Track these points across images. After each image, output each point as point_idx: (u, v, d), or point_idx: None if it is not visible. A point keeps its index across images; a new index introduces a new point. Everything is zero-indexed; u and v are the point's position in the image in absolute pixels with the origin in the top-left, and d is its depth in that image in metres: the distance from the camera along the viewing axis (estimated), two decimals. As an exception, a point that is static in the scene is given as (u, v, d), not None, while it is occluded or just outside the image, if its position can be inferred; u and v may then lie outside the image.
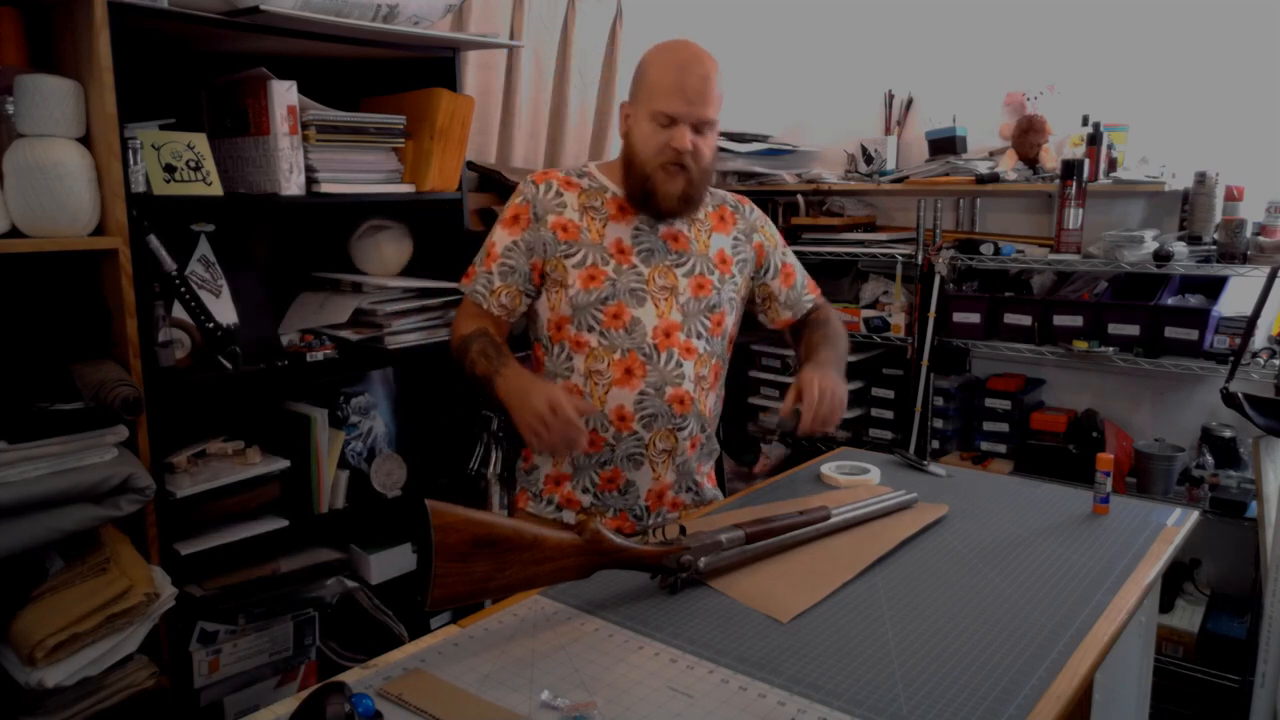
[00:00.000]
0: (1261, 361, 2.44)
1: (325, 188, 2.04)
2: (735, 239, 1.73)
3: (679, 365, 1.61)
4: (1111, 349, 2.66)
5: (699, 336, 1.64)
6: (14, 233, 1.63)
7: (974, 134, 3.03)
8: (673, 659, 1.09)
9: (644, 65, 1.60)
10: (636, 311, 1.59)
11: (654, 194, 1.59)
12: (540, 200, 1.63)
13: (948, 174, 2.95)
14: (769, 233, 1.80)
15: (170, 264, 1.85)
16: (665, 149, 1.55)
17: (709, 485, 1.75)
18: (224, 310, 1.98)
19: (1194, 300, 2.71)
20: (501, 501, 2.45)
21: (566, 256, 1.60)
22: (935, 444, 3.02)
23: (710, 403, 1.70)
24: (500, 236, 1.64)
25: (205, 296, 1.94)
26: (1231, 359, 2.40)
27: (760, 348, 3.30)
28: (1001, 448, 2.93)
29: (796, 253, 3.14)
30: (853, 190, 3.25)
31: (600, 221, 1.63)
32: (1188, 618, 2.66)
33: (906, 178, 3.04)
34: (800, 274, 1.84)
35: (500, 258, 1.62)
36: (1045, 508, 1.58)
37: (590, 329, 1.59)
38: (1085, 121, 2.77)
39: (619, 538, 1.19)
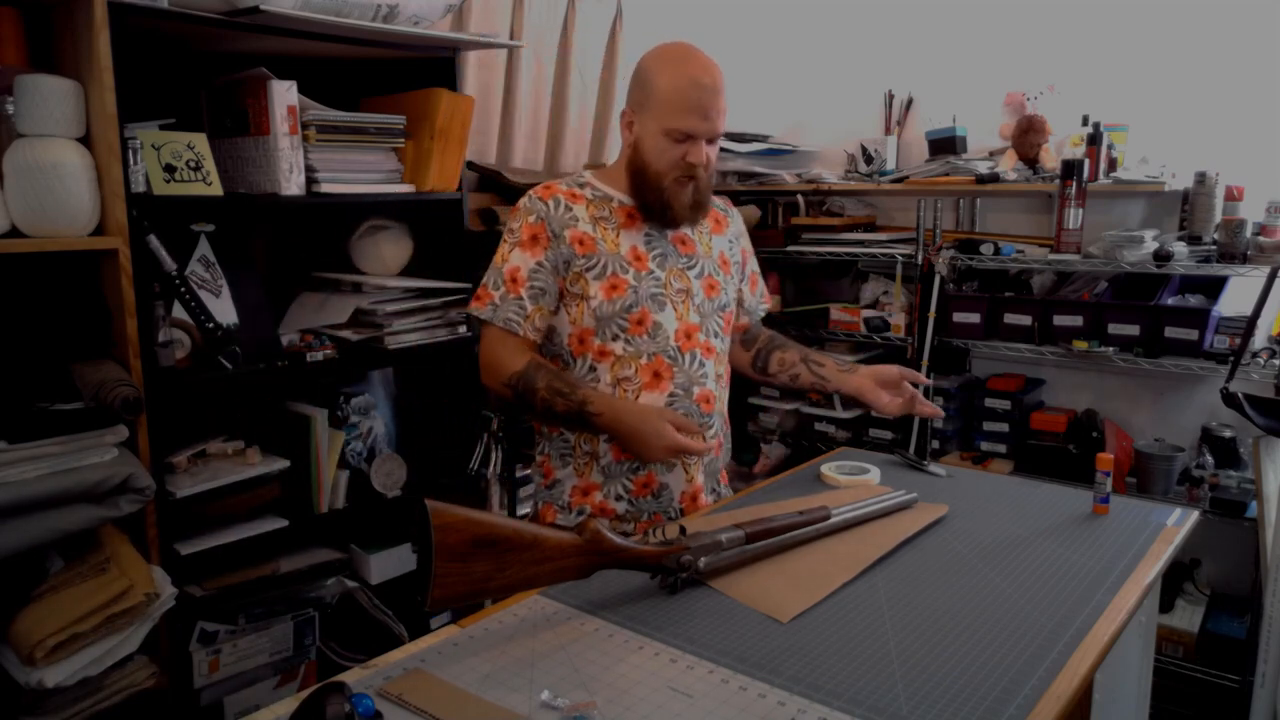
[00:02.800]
0: (1261, 361, 2.44)
1: (325, 188, 2.04)
2: (729, 241, 1.77)
3: (702, 365, 1.64)
4: (1111, 349, 2.66)
5: (715, 336, 1.68)
6: (14, 233, 1.63)
7: (974, 134, 3.03)
8: (673, 659, 1.09)
9: (651, 74, 1.57)
10: (658, 316, 1.60)
11: (670, 206, 1.60)
12: (554, 217, 1.60)
13: (948, 174, 2.95)
14: (747, 238, 1.85)
15: (170, 264, 1.85)
16: (680, 164, 1.57)
17: (724, 485, 1.78)
18: (224, 310, 1.98)
19: (1194, 300, 2.71)
20: (501, 501, 2.45)
21: (587, 269, 1.59)
22: (935, 444, 3.02)
23: (727, 401, 1.73)
24: (522, 259, 1.59)
25: (205, 296, 1.95)
26: (1231, 359, 2.40)
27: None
28: (1001, 448, 2.93)
29: (796, 253, 3.19)
30: (853, 190, 3.25)
31: (613, 231, 1.62)
32: (1188, 618, 2.66)
33: (906, 178, 3.04)
34: (761, 282, 1.89)
35: (528, 281, 1.59)
36: (1045, 508, 1.57)
37: (615, 338, 1.59)
38: (1085, 121, 2.77)
39: (619, 538, 1.19)
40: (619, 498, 1.63)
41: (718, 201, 1.80)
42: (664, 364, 1.60)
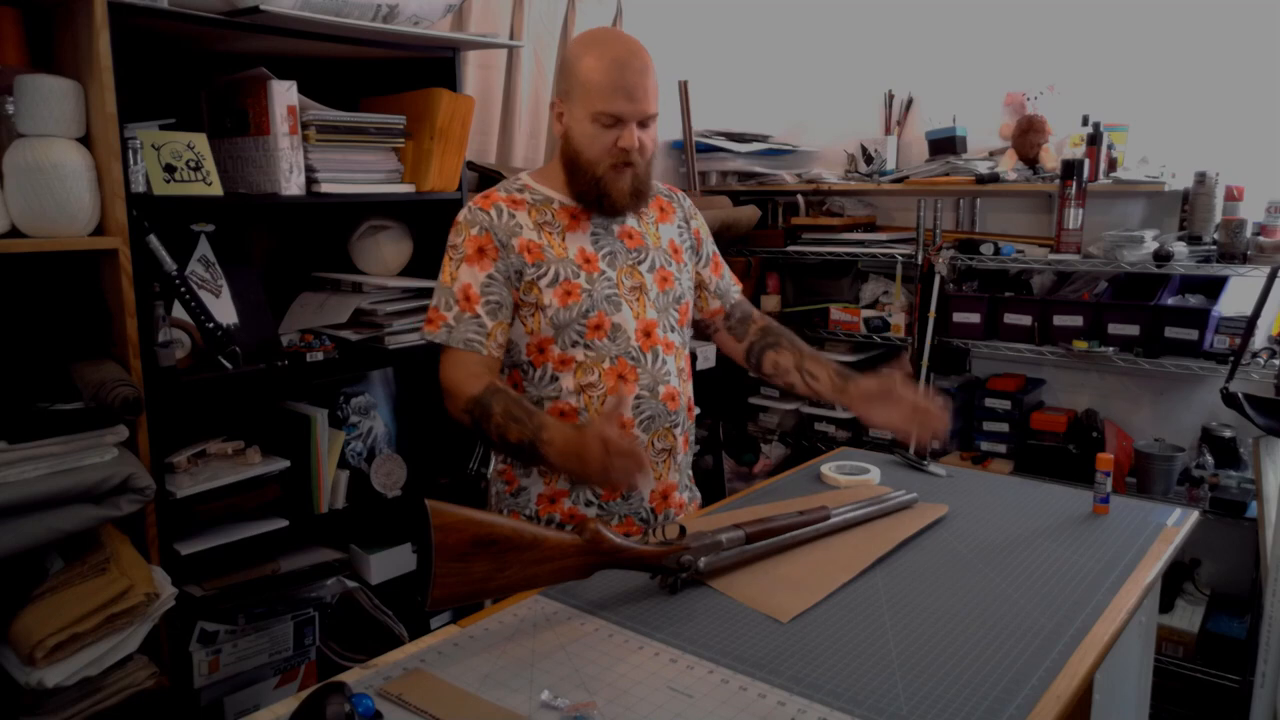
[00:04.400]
0: (1261, 361, 2.44)
1: (325, 188, 2.04)
2: (679, 227, 1.71)
3: (664, 362, 1.59)
4: (1111, 349, 2.66)
5: (673, 330, 1.62)
6: (14, 233, 1.63)
7: (974, 134, 3.03)
8: (673, 659, 1.09)
9: (573, 61, 1.51)
10: (615, 317, 1.55)
11: (607, 195, 1.53)
12: (499, 226, 1.52)
13: (948, 174, 2.95)
14: (701, 220, 1.77)
15: (170, 264, 1.85)
16: (613, 150, 1.50)
17: (691, 484, 1.74)
18: (224, 310, 1.98)
19: (1194, 300, 2.71)
20: (501, 501, 2.44)
21: (539, 278, 1.52)
22: (935, 444, 3.01)
23: (690, 394, 1.67)
24: (471, 275, 1.51)
25: (205, 296, 1.95)
26: (1231, 359, 2.41)
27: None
28: (1001, 448, 2.93)
29: (796, 253, 3.20)
30: (853, 190, 3.26)
31: (559, 235, 1.55)
32: (1188, 618, 2.66)
33: (906, 178, 3.04)
34: (725, 265, 1.81)
35: (482, 296, 1.51)
36: (1045, 508, 1.58)
37: (575, 344, 1.53)
38: (1085, 121, 2.77)
39: (619, 538, 1.19)
40: (589, 503, 1.58)
41: (662, 188, 1.74)
42: (627, 366, 1.55)
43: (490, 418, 1.44)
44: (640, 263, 1.61)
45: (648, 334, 1.58)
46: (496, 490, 1.67)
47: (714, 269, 1.77)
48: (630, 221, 1.63)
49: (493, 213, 1.54)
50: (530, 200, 1.58)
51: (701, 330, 1.80)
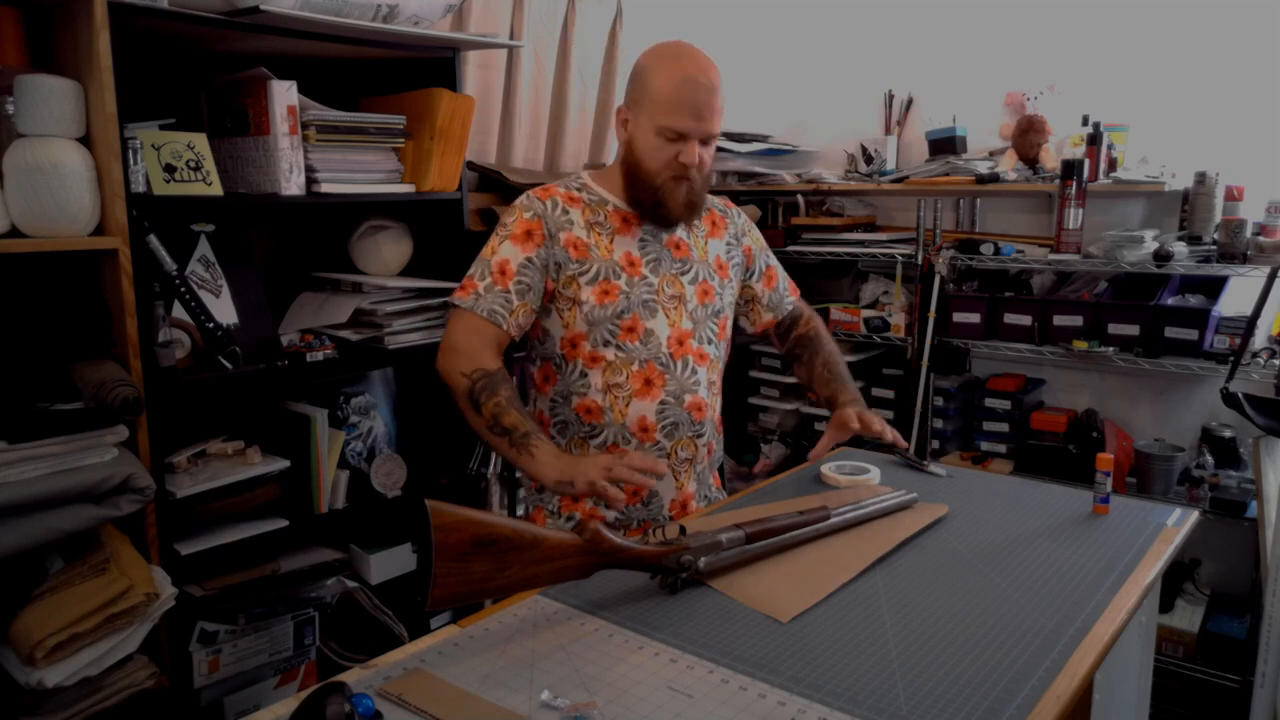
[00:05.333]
0: (1261, 361, 2.44)
1: (325, 188, 2.04)
2: (728, 243, 1.75)
3: (694, 372, 1.62)
4: (1111, 349, 2.66)
5: (709, 342, 1.66)
6: (14, 233, 1.63)
7: (974, 134, 3.03)
8: (673, 659, 1.09)
9: (646, 72, 1.56)
10: (650, 323, 1.59)
11: (663, 204, 1.58)
12: (551, 217, 1.59)
13: (948, 174, 2.95)
14: (755, 235, 1.82)
15: (170, 264, 1.85)
16: (673, 163, 1.55)
17: (715, 488, 1.77)
18: (224, 310, 1.98)
19: (1194, 300, 2.71)
20: (501, 501, 2.45)
21: (580, 274, 1.58)
22: (935, 444, 3.02)
23: (718, 407, 1.72)
24: (512, 252, 1.56)
25: (205, 296, 1.95)
26: (1231, 359, 2.40)
27: (760, 348, 3.30)
28: (1001, 448, 2.93)
29: (796, 253, 3.19)
30: (853, 190, 3.25)
31: (607, 236, 1.61)
32: (1188, 618, 2.66)
33: (906, 178, 3.04)
34: (781, 276, 1.86)
35: (516, 275, 1.56)
36: (1045, 508, 1.57)
37: (606, 343, 1.57)
38: (1085, 121, 2.77)
39: (619, 538, 1.19)
40: (609, 505, 1.59)
41: (717, 202, 1.78)
42: (655, 371, 1.59)
43: (494, 395, 1.51)
44: (684, 273, 1.65)
45: (681, 343, 1.62)
46: (525, 486, 1.73)
47: (766, 282, 1.82)
48: (679, 233, 1.67)
49: (548, 204, 1.61)
50: (586, 200, 1.63)
51: (754, 334, 1.88)
